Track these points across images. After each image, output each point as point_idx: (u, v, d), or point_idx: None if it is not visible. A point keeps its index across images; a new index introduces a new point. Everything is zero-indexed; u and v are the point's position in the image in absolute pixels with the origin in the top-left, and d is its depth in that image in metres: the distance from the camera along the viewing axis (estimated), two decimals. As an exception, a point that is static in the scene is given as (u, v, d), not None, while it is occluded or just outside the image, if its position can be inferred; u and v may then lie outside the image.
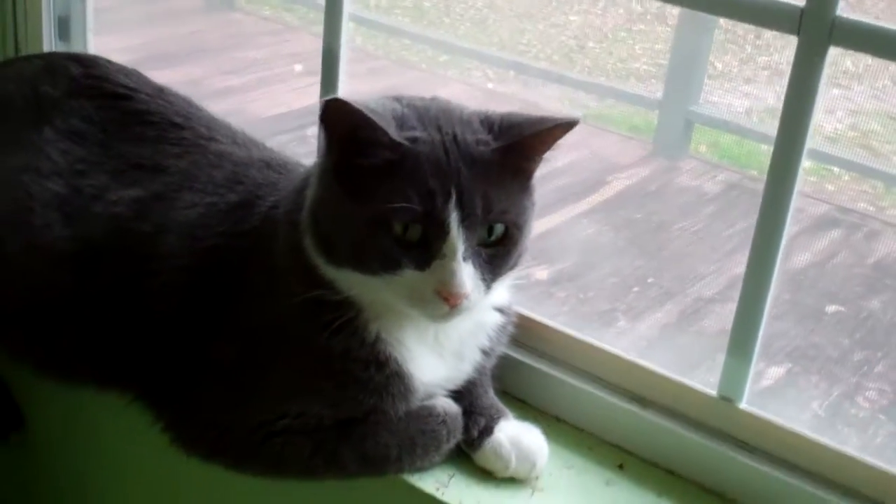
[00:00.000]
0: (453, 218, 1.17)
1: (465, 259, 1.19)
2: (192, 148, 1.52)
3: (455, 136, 1.22)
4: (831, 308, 3.19)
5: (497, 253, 1.23)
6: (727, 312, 2.98)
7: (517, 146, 1.23)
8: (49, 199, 1.49)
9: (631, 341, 2.94)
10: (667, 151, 4.33)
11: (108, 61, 1.66)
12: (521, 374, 1.49)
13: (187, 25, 4.58)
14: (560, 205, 3.63)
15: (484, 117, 1.26)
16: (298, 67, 4.13)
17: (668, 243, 3.65)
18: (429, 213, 1.17)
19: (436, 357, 1.35)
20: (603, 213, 3.72)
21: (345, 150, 1.20)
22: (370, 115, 1.16)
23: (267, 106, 3.89)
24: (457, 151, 1.20)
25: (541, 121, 1.23)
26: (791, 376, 2.84)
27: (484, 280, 1.22)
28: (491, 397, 1.42)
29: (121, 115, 1.57)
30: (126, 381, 1.46)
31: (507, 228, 1.22)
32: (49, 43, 1.99)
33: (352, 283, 1.25)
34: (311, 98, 3.89)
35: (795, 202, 1.27)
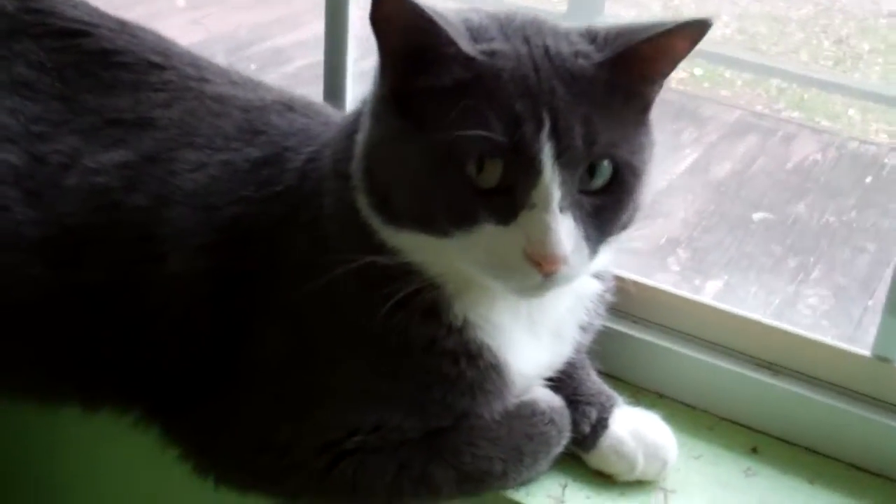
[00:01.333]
0: (546, 152, 0.89)
1: (562, 210, 0.90)
2: (183, 92, 1.20)
3: (547, 49, 0.93)
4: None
5: (605, 203, 0.94)
6: (655, 230, 2.87)
7: (628, 59, 0.94)
8: (3, 172, 1.15)
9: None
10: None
11: None
12: (614, 345, 1.21)
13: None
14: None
15: (586, 29, 0.97)
16: (181, 2, 3.78)
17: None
18: (515, 146, 0.89)
19: (533, 340, 1.09)
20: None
21: (403, 69, 0.93)
22: (434, 17, 0.89)
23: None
24: (549, 67, 0.92)
25: (657, 24, 0.93)
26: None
27: (588, 239, 0.94)
28: (595, 381, 1.17)
29: (80, 56, 1.23)
30: (125, 398, 1.16)
31: (616, 168, 0.94)
32: None
33: (419, 248, 0.98)
34: (198, 34, 3.58)
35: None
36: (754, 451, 1.18)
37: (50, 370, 1.17)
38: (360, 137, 1.00)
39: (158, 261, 1.10)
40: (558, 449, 1.10)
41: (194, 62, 1.25)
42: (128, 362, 1.13)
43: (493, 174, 0.90)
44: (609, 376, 1.22)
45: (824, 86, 3.92)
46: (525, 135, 0.89)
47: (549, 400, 1.11)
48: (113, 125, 1.18)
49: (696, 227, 3.00)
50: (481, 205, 0.91)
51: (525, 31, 0.95)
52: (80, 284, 1.12)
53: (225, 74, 1.24)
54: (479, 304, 1.02)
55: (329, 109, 1.20)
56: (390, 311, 0.99)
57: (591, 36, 0.96)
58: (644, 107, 0.98)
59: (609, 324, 1.20)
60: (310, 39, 3.82)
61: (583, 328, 1.13)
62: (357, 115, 1.04)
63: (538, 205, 0.90)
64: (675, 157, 3.33)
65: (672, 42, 0.94)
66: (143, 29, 1.29)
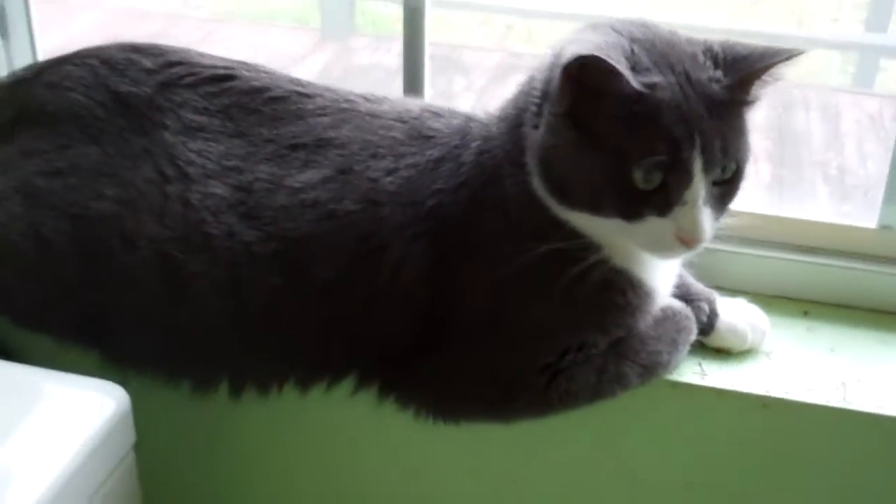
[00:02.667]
0: (696, 165, 1.17)
1: (704, 204, 1.19)
2: (340, 114, 1.41)
3: (688, 76, 1.19)
4: None
5: (726, 191, 1.24)
6: None
7: (747, 81, 1.21)
8: (217, 204, 1.35)
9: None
10: (335, 34, 4.38)
11: (164, 45, 1.49)
12: None
13: None
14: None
15: (705, 48, 1.24)
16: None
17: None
18: (674, 162, 1.16)
19: (668, 270, 1.41)
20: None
21: (584, 95, 1.18)
22: (623, 71, 1.13)
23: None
24: (693, 93, 1.18)
25: (772, 54, 1.22)
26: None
27: (715, 218, 1.24)
28: (697, 283, 1.50)
29: (238, 97, 1.42)
30: (341, 370, 1.40)
31: (737, 165, 1.23)
32: None
33: (587, 224, 1.26)
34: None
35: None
36: (805, 314, 1.57)
37: (287, 356, 1.39)
38: (529, 134, 1.25)
39: (381, 251, 1.32)
40: (693, 336, 1.44)
41: (327, 88, 1.45)
42: (353, 339, 1.37)
43: (654, 180, 1.17)
44: None
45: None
46: (683, 154, 1.16)
47: (678, 303, 1.44)
48: (295, 150, 1.38)
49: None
50: (645, 203, 1.18)
51: (668, 57, 1.20)
52: (314, 283, 1.34)
53: (353, 94, 1.45)
54: (636, 257, 1.31)
55: (460, 110, 1.42)
56: (570, 264, 1.27)
57: (714, 58, 1.21)
58: (747, 110, 1.26)
59: None
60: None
61: None
62: (517, 111, 1.29)
63: (688, 202, 1.18)
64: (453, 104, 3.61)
65: (780, 67, 1.22)
66: (263, 66, 1.48)
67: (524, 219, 1.29)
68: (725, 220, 1.28)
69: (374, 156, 1.36)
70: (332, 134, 1.39)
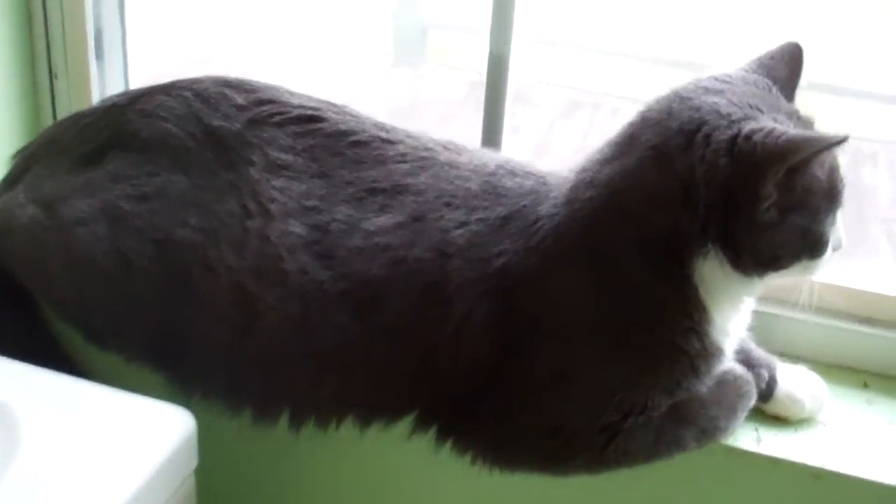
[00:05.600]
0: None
1: None
2: (419, 161, 1.44)
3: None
4: None
5: None
6: None
7: None
8: (293, 242, 1.38)
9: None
10: (406, 59, 4.42)
11: (252, 81, 1.53)
12: None
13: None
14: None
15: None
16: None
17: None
18: None
19: (735, 334, 1.41)
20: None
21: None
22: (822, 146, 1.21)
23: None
24: None
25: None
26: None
27: None
28: (758, 349, 1.50)
29: (323, 139, 1.46)
30: (404, 410, 1.42)
31: None
32: (93, 62, 1.78)
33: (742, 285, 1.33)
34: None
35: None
36: (865, 385, 1.57)
37: (351, 394, 1.41)
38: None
39: (446, 303, 1.34)
40: (752, 402, 1.44)
41: (409, 134, 1.48)
42: (415, 381, 1.39)
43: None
44: None
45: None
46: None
47: (740, 368, 1.44)
48: (374, 194, 1.40)
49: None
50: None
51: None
52: (381, 325, 1.36)
53: (432, 142, 1.48)
54: (723, 317, 1.33)
55: (534, 168, 1.44)
56: (662, 324, 1.31)
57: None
58: None
59: None
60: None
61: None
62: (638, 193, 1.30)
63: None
64: (516, 139, 3.64)
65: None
66: (350, 108, 1.51)
67: (652, 295, 1.31)
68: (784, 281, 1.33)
69: (447, 205, 1.39)
70: (409, 181, 1.41)
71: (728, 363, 1.43)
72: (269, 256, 1.37)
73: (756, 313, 1.45)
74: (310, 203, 1.40)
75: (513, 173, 1.42)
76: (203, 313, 1.40)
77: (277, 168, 1.43)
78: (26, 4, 1.79)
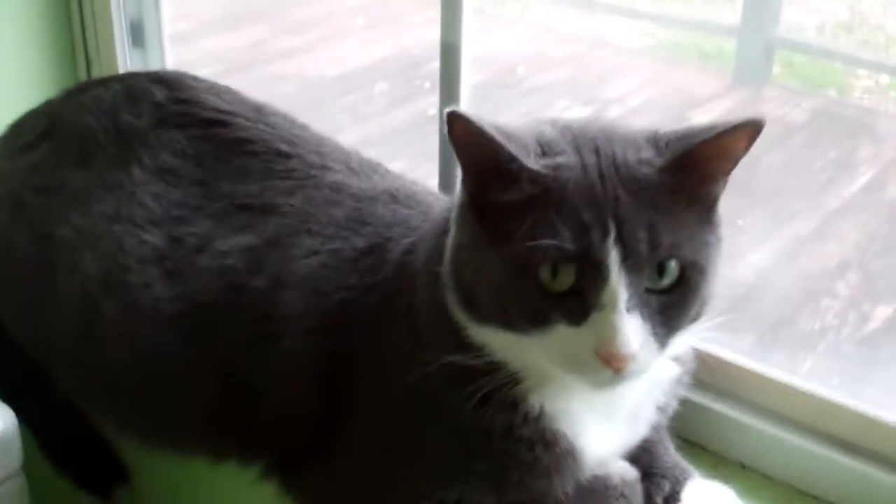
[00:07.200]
0: (612, 257, 0.97)
1: (629, 310, 0.97)
2: (305, 181, 1.33)
3: (614, 158, 1.01)
4: None
5: (671, 301, 1.01)
6: (825, 251, 2.87)
7: (688, 162, 1.01)
8: (147, 253, 1.32)
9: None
10: (748, 79, 4.12)
11: (195, 79, 1.49)
12: (697, 416, 1.32)
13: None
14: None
15: (652, 134, 1.05)
16: (360, 21, 3.94)
17: (758, 180, 3.47)
18: (582, 252, 0.97)
19: (609, 425, 1.18)
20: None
21: (479, 181, 1.02)
22: (496, 136, 0.97)
23: (331, 65, 3.73)
24: (615, 175, 1.00)
25: (713, 127, 1.01)
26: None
27: (655, 335, 1.01)
28: (672, 455, 1.25)
29: (218, 145, 1.39)
30: (248, 454, 1.32)
31: (682, 268, 1.01)
32: (123, 52, 1.85)
33: (502, 344, 1.07)
34: (375, 54, 3.74)
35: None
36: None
37: (182, 426, 1.34)
38: (449, 240, 1.10)
39: (274, 340, 1.23)
40: None
41: (319, 148, 1.38)
42: (250, 425, 1.28)
43: (566, 279, 0.98)
44: (694, 444, 1.32)
45: None
46: (592, 242, 0.97)
47: (624, 473, 1.20)
48: (242, 210, 1.33)
49: (867, 250, 2.96)
50: (555, 307, 0.99)
51: (596, 141, 1.03)
52: (209, 356, 1.27)
53: (345, 160, 1.37)
54: (555, 395, 1.11)
55: (431, 198, 1.31)
56: (475, 403, 1.09)
57: (655, 141, 1.04)
58: (709, 205, 1.06)
59: (692, 396, 1.29)
60: (484, 56, 3.93)
61: (660, 409, 1.22)
62: (449, 214, 1.13)
63: (607, 306, 0.97)
64: (850, 175, 3.29)
65: (729, 142, 1.01)
66: (278, 115, 1.43)
67: (433, 337, 1.13)
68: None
69: (307, 231, 1.28)
70: (281, 200, 1.32)
71: (614, 465, 1.20)
72: (119, 266, 1.33)
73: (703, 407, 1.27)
74: (177, 213, 1.34)
75: (395, 200, 1.29)
76: (57, 315, 1.38)
77: (162, 172, 1.38)
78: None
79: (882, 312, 2.64)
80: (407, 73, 3.61)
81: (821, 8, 4.25)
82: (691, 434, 1.32)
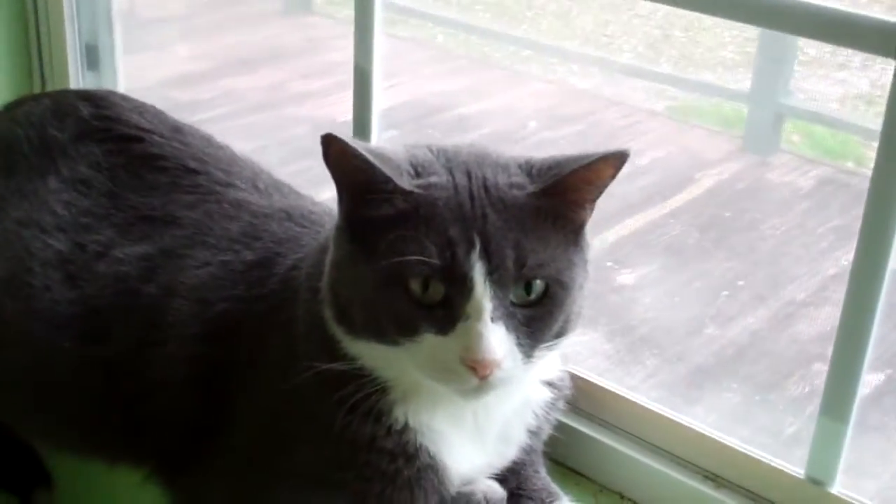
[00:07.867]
0: (477, 270, 1.02)
1: (494, 320, 1.02)
2: (207, 196, 1.39)
3: (485, 181, 1.07)
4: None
5: (536, 314, 1.06)
6: (822, 316, 2.88)
7: (558, 189, 1.07)
8: (50, 257, 1.38)
9: (721, 346, 2.83)
10: (757, 146, 4.17)
11: (124, 97, 1.55)
12: (578, 444, 1.36)
13: (264, 30, 4.52)
14: (645, 204, 3.49)
15: (525, 161, 1.11)
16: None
17: (759, 243, 3.52)
18: (448, 266, 1.02)
19: (476, 443, 1.21)
20: (690, 213, 3.58)
21: (354, 200, 1.08)
22: (371, 158, 1.03)
23: (343, 110, 3.82)
24: (485, 196, 1.06)
25: (583, 157, 1.07)
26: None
27: (521, 346, 1.05)
28: (542, 478, 1.29)
29: (130, 160, 1.45)
30: (135, 457, 1.36)
31: (548, 286, 1.07)
32: (77, 73, 1.94)
33: (373, 356, 1.11)
34: (390, 101, 3.83)
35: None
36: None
37: (77, 427, 1.39)
38: (327, 258, 1.14)
39: (160, 345, 1.28)
40: None
41: (228, 167, 1.43)
42: (135, 427, 1.32)
43: (436, 292, 1.03)
44: (575, 472, 1.36)
45: None
46: (457, 256, 1.02)
47: (489, 491, 1.22)
48: (144, 221, 1.38)
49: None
50: (424, 318, 1.04)
51: (468, 165, 1.09)
52: (99, 359, 1.31)
53: (252, 179, 1.42)
54: (421, 409, 1.15)
55: (327, 218, 1.32)
56: (343, 411, 1.12)
57: (528, 168, 1.10)
58: (576, 229, 1.11)
59: (572, 423, 1.35)
60: (496, 109, 4.03)
61: (532, 432, 1.25)
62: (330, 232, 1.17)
63: (472, 316, 1.02)
64: (850, 243, 3.30)
65: (597, 171, 1.07)
66: (195, 135, 1.49)
67: (308, 348, 1.17)
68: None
69: (202, 244, 1.33)
70: (182, 213, 1.38)
71: (480, 483, 1.24)
72: (23, 268, 1.38)
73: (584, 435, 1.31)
74: (84, 220, 1.41)
75: (289, 218, 1.34)
76: None
77: (76, 182, 1.44)
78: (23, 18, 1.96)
79: (872, 379, 2.68)
80: (419, 121, 3.70)
81: (844, 79, 4.29)
82: (572, 461, 1.37)
